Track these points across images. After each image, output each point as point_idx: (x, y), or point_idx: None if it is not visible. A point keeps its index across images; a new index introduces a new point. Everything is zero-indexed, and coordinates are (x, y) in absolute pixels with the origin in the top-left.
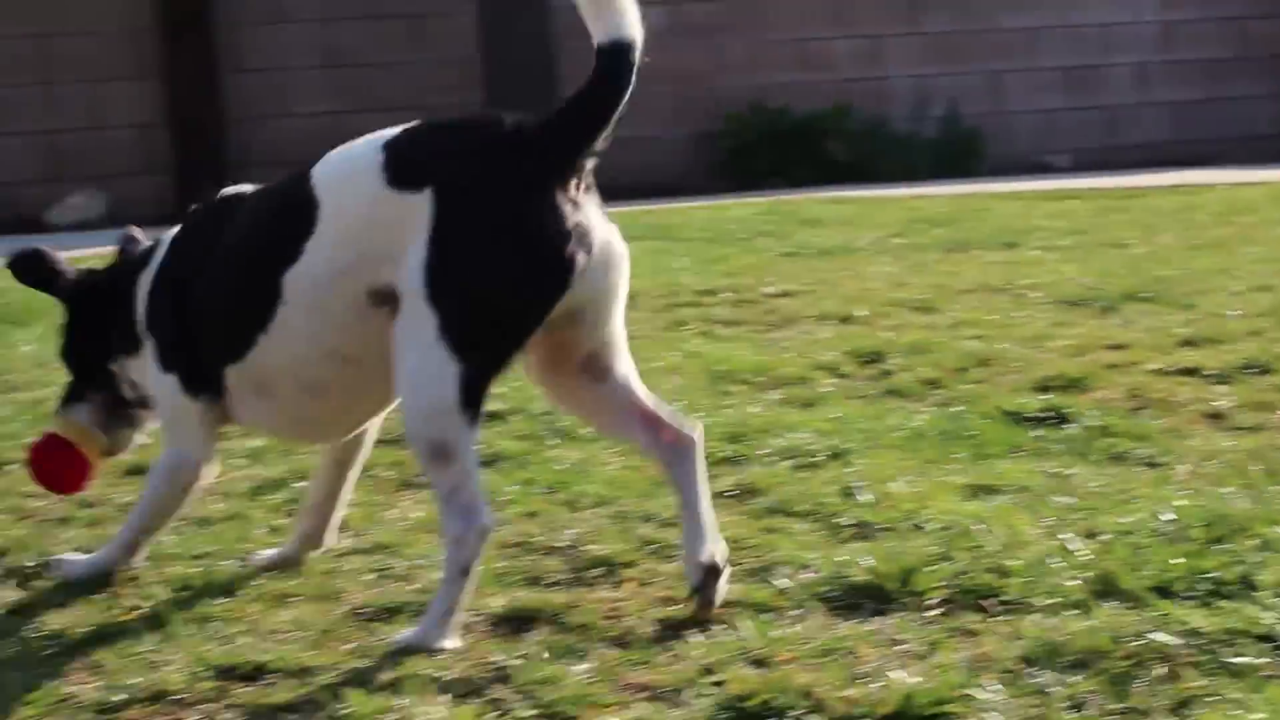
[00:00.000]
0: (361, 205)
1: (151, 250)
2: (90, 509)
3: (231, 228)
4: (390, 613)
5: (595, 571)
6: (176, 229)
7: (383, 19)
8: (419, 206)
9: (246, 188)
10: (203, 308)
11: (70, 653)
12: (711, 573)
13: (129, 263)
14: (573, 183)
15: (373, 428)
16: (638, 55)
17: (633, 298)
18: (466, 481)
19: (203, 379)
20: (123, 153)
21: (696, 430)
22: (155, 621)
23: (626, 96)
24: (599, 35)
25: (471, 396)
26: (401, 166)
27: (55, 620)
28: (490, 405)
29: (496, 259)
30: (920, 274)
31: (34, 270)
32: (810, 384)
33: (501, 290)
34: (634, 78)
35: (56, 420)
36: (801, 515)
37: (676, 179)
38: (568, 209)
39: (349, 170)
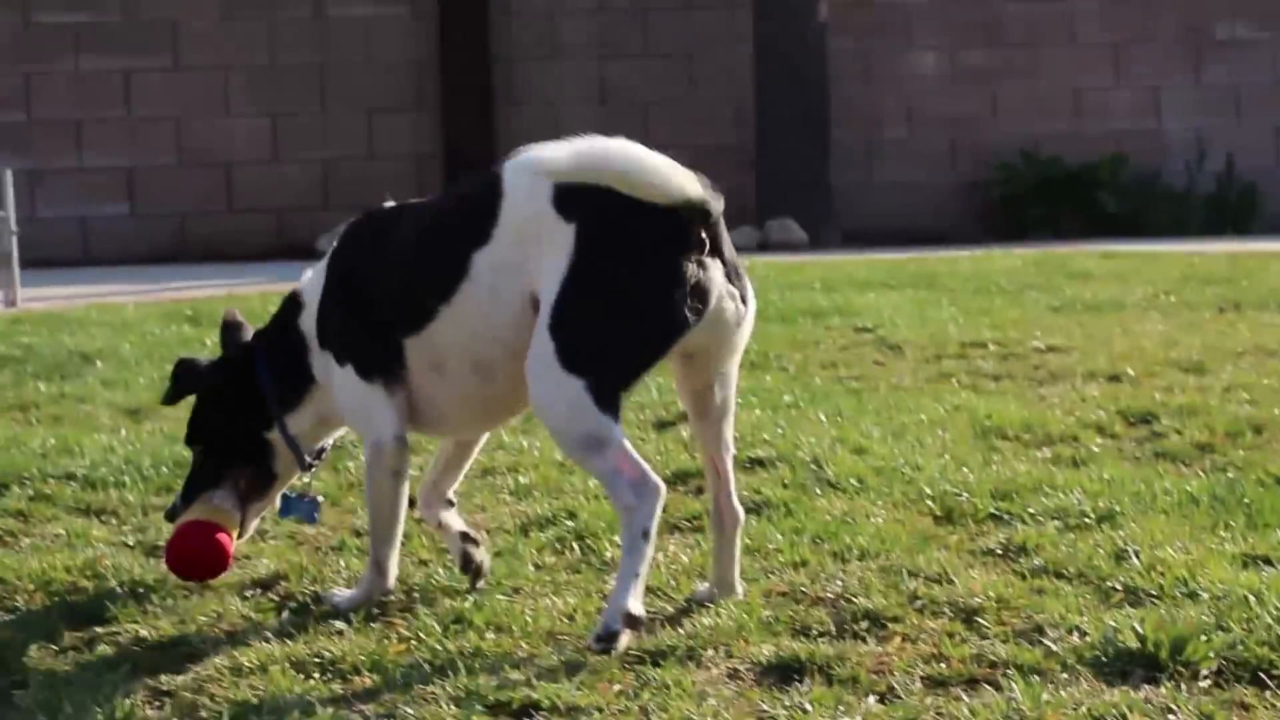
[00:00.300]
0: (530, 214)
1: (296, 298)
2: (360, 538)
3: (423, 214)
4: (659, 656)
5: (862, 624)
6: (324, 258)
7: (657, 56)
8: (567, 235)
9: (390, 203)
10: (387, 286)
11: (347, 680)
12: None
13: (282, 321)
14: (700, 243)
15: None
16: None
17: (898, 347)
18: (625, 457)
19: (381, 363)
20: (396, 182)
21: (742, 516)
22: (428, 654)
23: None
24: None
25: (603, 399)
26: (566, 191)
27: (330, 647)
28: (756, 452)
29: (620, 302)
30: (1192, 333)
31: (192, 380)
32: (1079, 443)
33: (623, 330)
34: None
35: (197, 508)
36: (1070, 577)
37: (944, 226)
38: (690, 268)
39: (531, 176)
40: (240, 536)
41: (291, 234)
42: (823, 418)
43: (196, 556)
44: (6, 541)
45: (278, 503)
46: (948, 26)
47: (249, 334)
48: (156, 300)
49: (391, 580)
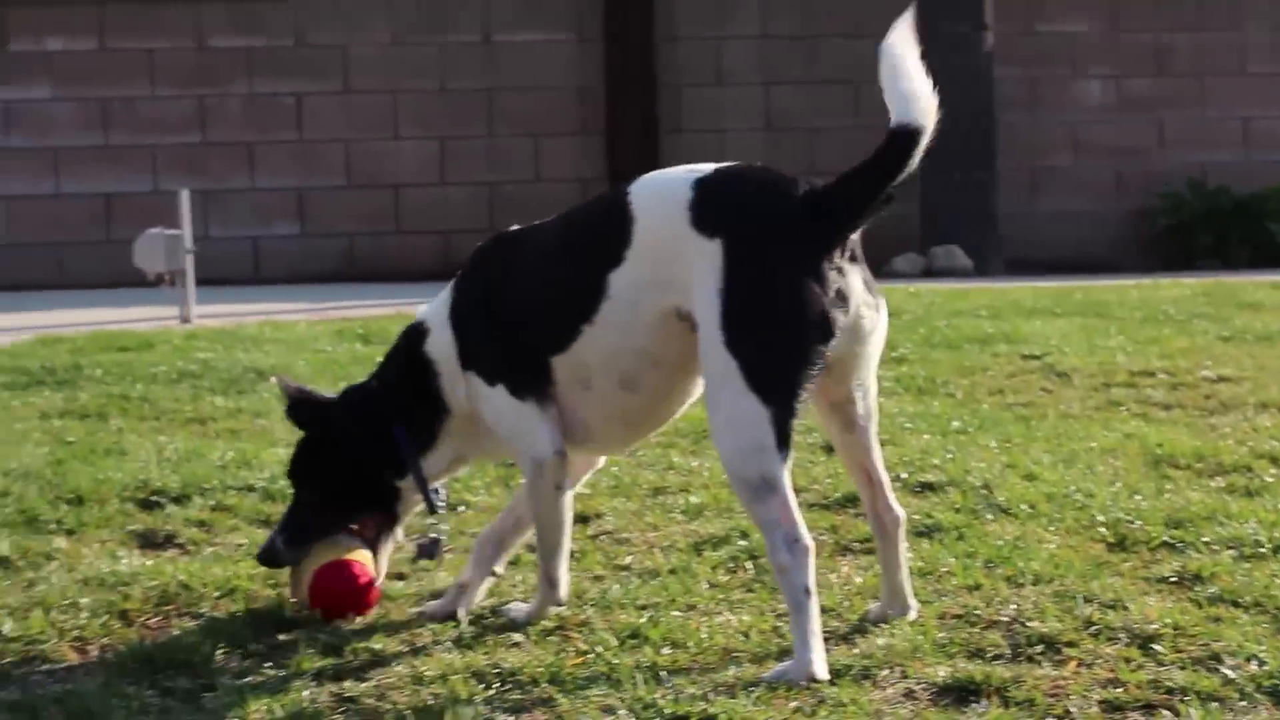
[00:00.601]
0: (666, 234)
1: (418, 330)
2: (534, 553)
3: (551, 237)
4: (835, 674)
5: (1036, 648)
6: (451, 283)
7: (822, 83)
8: (712, 251)
9: (515, 227)
10: (528, 308)
11: (525, 691)
12: None
13: (405, 354)
14: (839, 251)
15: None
16: (924, 141)
17: (1066, 375)
18: (787, 510)
19: (532, 381)
20: (560, 205)
21: (902, 514)
22: (605, 667)
23: (902, 178)
24: (898, 116)
25: (783, 435)
26: (704, 210)
27: (510, 659)
28: (926, 477)
29: (778, 313)
30: None
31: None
32: (1253, 473)
33: (786, 341)
34: (915, 162)
35: (333, 549)
36: (1247, 606)
37: (1109, 255)
38: (833, 275)
39: (662, 198)
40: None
41: (456, 255)
42: (992, 443)
43: (347, 597)
44: (190, 550)
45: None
46: (1115, 55)
47: (318, 394)
48: (326, 318)
49: (563, 593)
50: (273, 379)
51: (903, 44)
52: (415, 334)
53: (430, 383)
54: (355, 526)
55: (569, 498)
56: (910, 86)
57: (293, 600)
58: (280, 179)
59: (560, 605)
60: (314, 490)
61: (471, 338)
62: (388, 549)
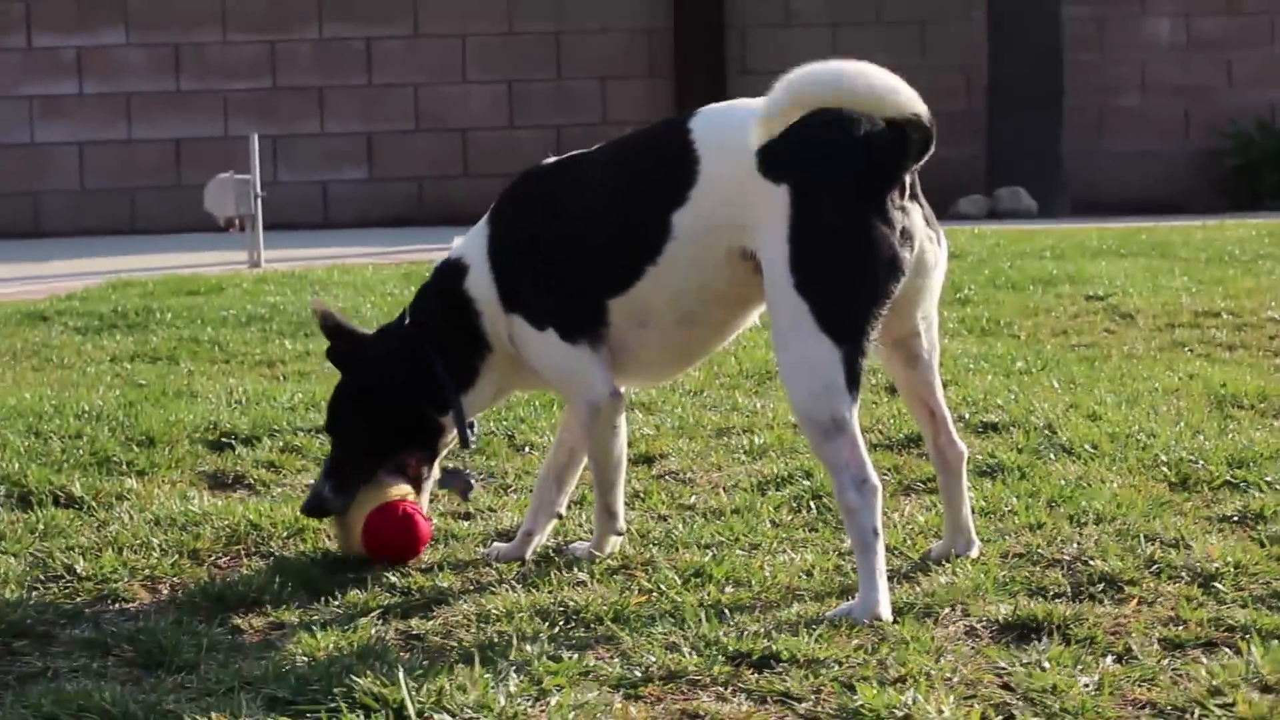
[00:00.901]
0: (733, 177)
1: (455, 266)
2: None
3: (601, 174)
4: (897, 613)
5: (1098, 586)
6: (485, 219)
7: (890, 24)
8: (779, 196)
9: (550, 160)
10: (583, 249)
11: (590, 629)
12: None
13: (441, 290)
14: (900, 190)
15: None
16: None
17: (1130, 316)
18: (856, 451)
19: (585, 324)
20: None
21: (964, 449)
22: (668, 605)
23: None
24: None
25: (853, 375)
26: (770, 154)
27: (575, 597)
28: (989, 417)
29: (849, 254)
30: None
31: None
32: None
33: (857, 281)
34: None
35: (374, 493)
36: None
37: (1176, 196)
38: (897, 214)
39: (726, 140)
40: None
41: None
42: (1055, 384)
43: (402, 540)
44: (259, 491)
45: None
46: None
47: (349, 321)
48: (394, 262)
49: (621, 523)
50: (311, 303)
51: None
52: (453, 271)
53: (471, 321)
54: (404, 469)
55: (624, 431)
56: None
57: (342, 551)
58: (349, 123)
59: (620, 535)
60: (355, 433)
61: (515, 279)
62: (429, 486)
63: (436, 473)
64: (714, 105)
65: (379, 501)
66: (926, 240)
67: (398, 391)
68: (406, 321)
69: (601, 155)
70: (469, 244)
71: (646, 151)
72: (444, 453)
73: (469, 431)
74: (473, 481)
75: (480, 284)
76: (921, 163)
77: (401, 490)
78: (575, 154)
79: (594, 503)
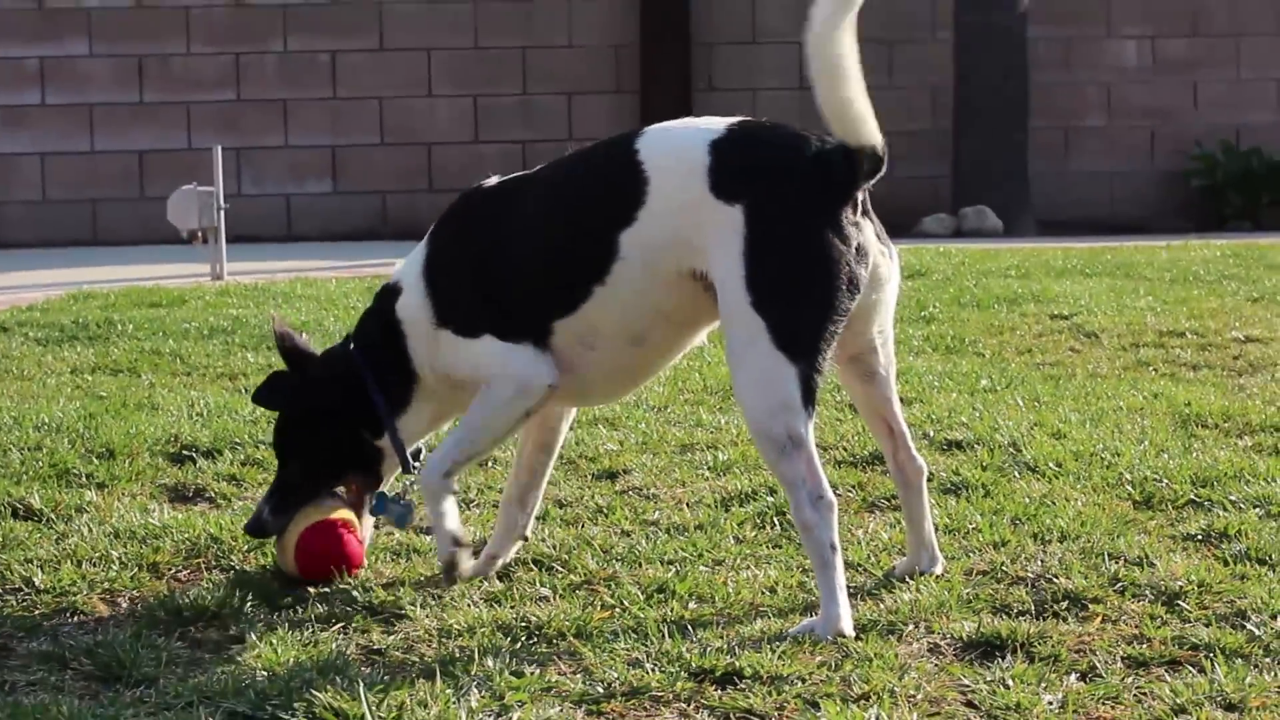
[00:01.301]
0: (683, 197)
1: (391, 289)
2: (562, 509)
3: (547, 194)
4: (860, 630)
5: (1062, 604)
6: (421, 244)
7: (857, 43)
8: (733, 216)
9: (492, 180)
10: (529, 270)
11: (552, 644)
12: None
13: (379, 315)
14: (854, 206)
15: (570, 416)
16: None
17: (1095, 335)
18: (812, 467)
19: (522, 331)
20: None
21: (924, 465)
22: (631, 621)
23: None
24: (846, 137)
25: (809, 392)
26: (721, 175)
27: (537, 613)
28: (953, 435)
29: (805, 272)
30: None
31: (296, 399)
32: None
33: (812, 299)
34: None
35: (316, 511)
36: (1273, 563)
37: (1141, 216)
38: (852, 230)
39: (677, 161)
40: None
41: None
42: (1020, 402)
43: (333, 556)
44: (220, 504)
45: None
46: (1149, 15)
47: (306, 342)
48: (358, 275)
49: (455, 488)
50: (273, 320)
51: (844, 42)
52: (388, 293)
53: (399, 344)
54: (341, 491)
55: (560, 435)
56: (858, 104)
57: (282, 569)
58: (314, 136)
59: (451, 491)
60: (298, 455)
61: (451, 294)
62: (368, 513)
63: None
64: (660, 125)
65: (314, 519)
66: (880, 255)
67: (334, 414)
68: (350, 346)
69: (546, 174)
70: (406, 266)
71: (593, 171)
72: (390, 478)
73: (411, 460)
74: (411, 510)
75: (410, 305)
76: (873, 182)
77: (342, 513)
78: (518, 175)
79: (448, 460)
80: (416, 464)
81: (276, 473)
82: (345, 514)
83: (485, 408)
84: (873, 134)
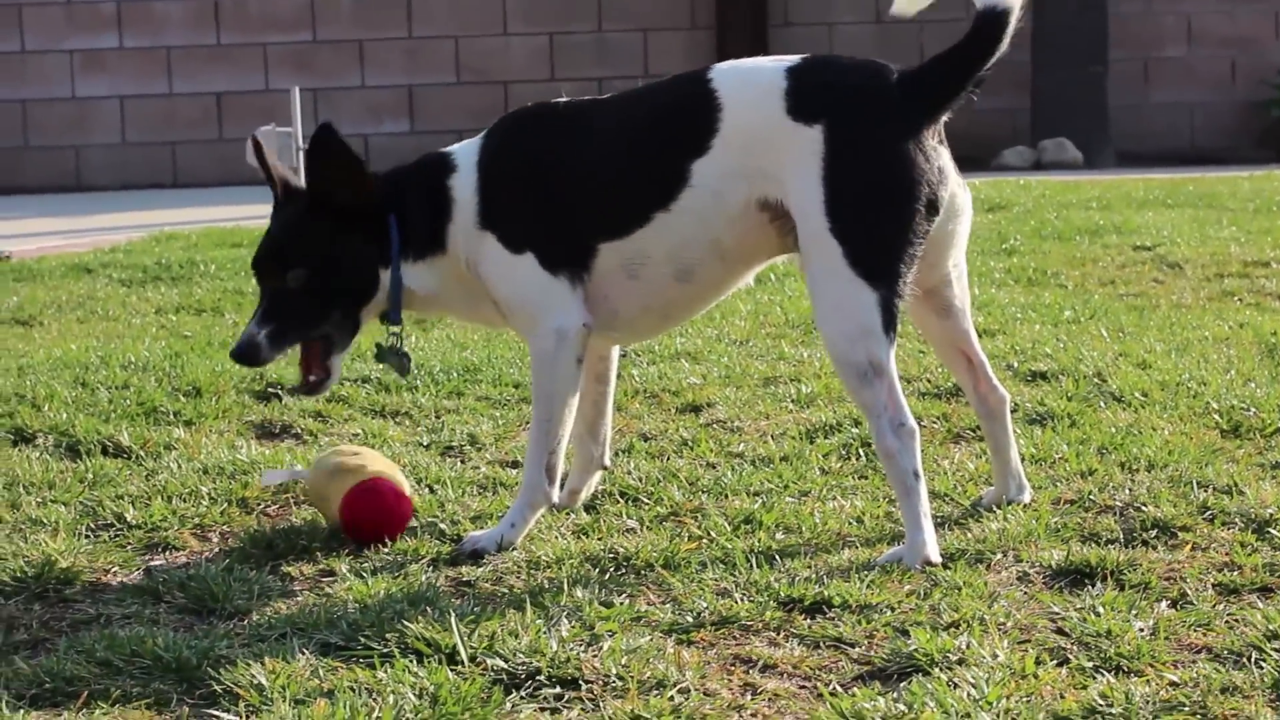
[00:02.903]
0: (760, 123)
1: (448, 159)
2: (647, 441)
3: (617, 120)
4: (949, 559)
5: (1151, 533)
6: (484, 135)
7: None
8: (811, 138)
9: (561, 100)
10: (586, 191)
11: (640, 575)
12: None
13: (427, 173)
14: (934, 131)
15: (616, 351)
16: (1013, 23)
17: (1179, 265)
18: (893, 394)
19: (570, 259)
20: None
21: (1006, 395)
22: (719, 552)
23: (993, 61)
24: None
25: (890, 318)
26: (800, 97)
27: (625, 544)
28: (1038, 366)
29: (885, 195)
30: None
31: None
32: None
33: (893, 222)
34: (1005, 45)
35: (351, 474)
36: None
37: (1222, 147)
38: (933, 154)
39: (754, 87)
40: (326, 384)
41: None
42: (1104, 333)
43: (384, 522)
44: (306, 440)
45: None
46: None
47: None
48: None
49: (557, 493)
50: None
51: None
52: (441, 164)
53: (441, 214)
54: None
55: (612, 370)
56: None
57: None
58: (390, 76)
59: (552, 505)
60: (299, 272)
61: (500, 196)
62: (342, 355)
63: (347, 351)
64: (732, 61)
65: (357, 479)
66: (958, 186)
67: (353, 230)
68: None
69: (619, 99)
70: (466, 150)
71: (667, 99)
72: (351, 343)
73: (399, 310)
74: (408, 359)
75: (464, 187)
76: (960, 102)
77: (379, 466)
78: (592, 98)
79: (529, 463)
80: (399, 328)
81: (265, 295)
82: (384, 469)
83: (540, 376)
84: None
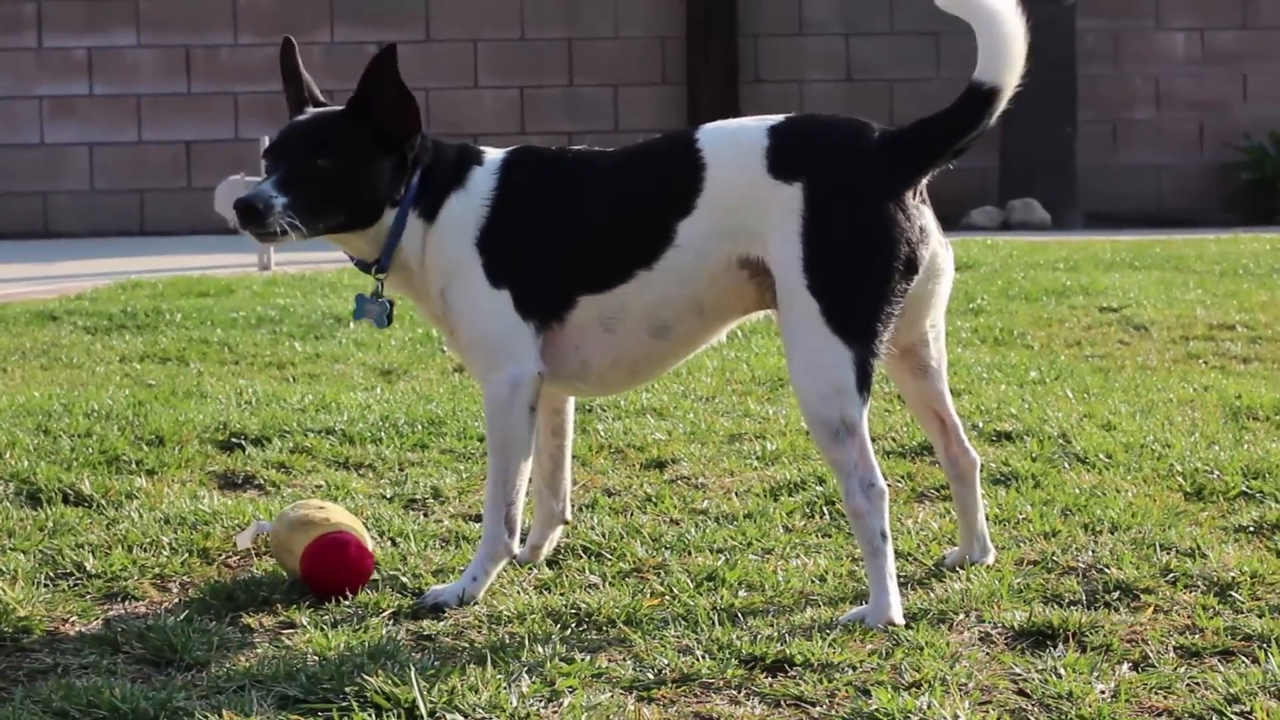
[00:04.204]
0: (742, 181)
1: (477, 156)
2: (611, 497)
3: (608, 174)
4: (911, 618)
5: (1114, 594)
6: (500, 164)
7: (904, 34)
8: (791, 195)
9: (556, 149)
10: (574, 242)
11: (602, 631)
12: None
13: (461, 159)
14: (916, 192)
15: (571, 404)
16: (1002, 104)
17: (1144, 327)
18: (864, 454)
19: (544, 307)
20: None
21: (977, 457)
22: (681, 609)
23: (977, 134)
24: (978, 73)
25: (864, 377)
26: (781, 155)
27: (587, 600)
28: (1003, 426)
29: (863, 252)
30: None
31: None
32: None
33: (870, 280)
34: (991, 121)
35: (312, 526)
36: None
37: (1189, 209)
38: (914, 213)
39: (737, 146)
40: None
41: None
42: (1069, 394)
43: (346, 578)
44: (269, 491)
45: (353, 304)
46: (1198, 7)
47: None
48: None
49: (517, 544)
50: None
51: None
52: (475, 157)
53: (446, 187)
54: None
55: (569, 419)
56: (1001, 36)
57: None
58: None
59: (513, 557)
60: (327, 160)
61: (499, 226)
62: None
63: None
64: (719, 121)
65: (320, 532)
66: (939, 245)
67: (378, 154)
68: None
69: (615, 156)
70: (494, 156)
71: (655, 159)
72: (352, 247)
73: (387, 258)
74: (388, 308)
75: (478, 191)
76: (942, 166)
77: (342, 519)
78: (597, 149)
79: (488, 515)
80: (383, 275)
81: (288, 167)
82: (348, 522)
83: (495, 425)
84: (1007, 71)
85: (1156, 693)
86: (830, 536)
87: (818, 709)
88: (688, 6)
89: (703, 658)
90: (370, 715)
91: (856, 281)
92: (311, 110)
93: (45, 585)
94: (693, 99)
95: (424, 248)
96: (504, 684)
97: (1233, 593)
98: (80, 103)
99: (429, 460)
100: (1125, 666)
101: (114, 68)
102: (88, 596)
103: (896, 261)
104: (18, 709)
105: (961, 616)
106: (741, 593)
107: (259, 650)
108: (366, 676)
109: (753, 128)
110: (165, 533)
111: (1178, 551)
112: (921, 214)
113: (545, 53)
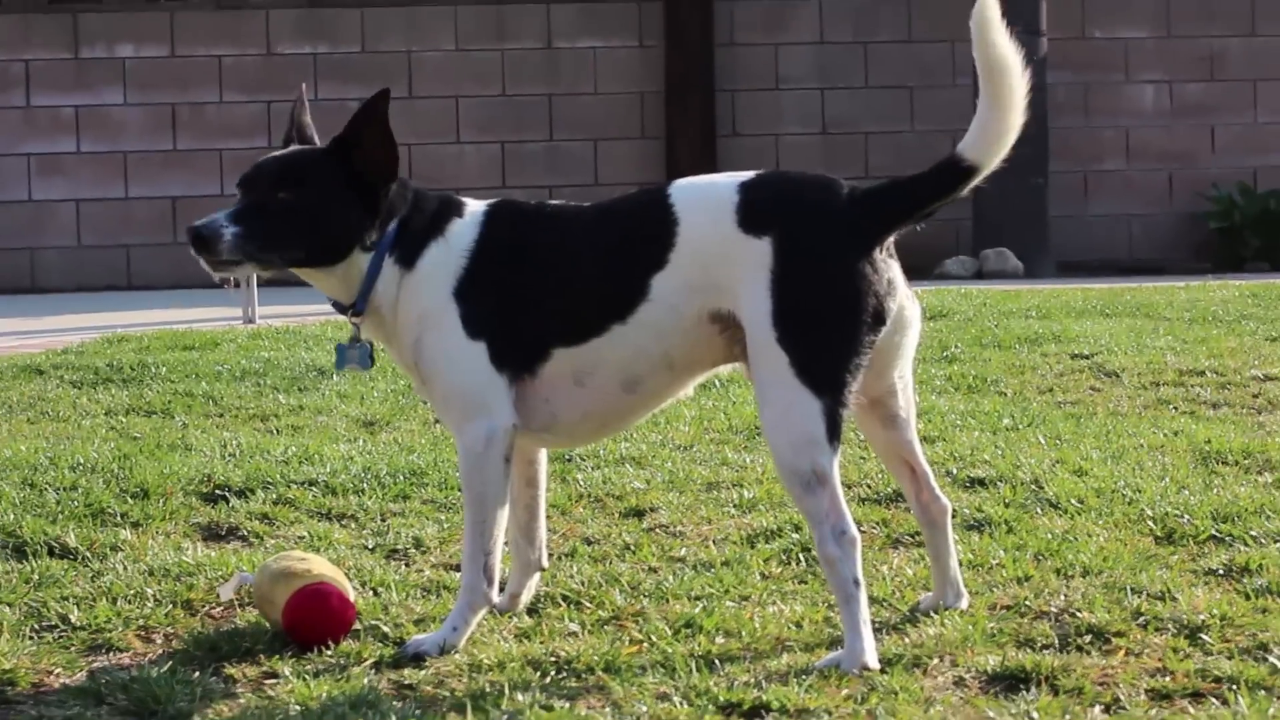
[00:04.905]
0: (713, 236)
1: (459, 207)
2: (591, 545)
3: (582, 230)
4: (886, 663)
5: (1085, 638)
6: (481, 216)
7: (879, 89)
8: (760, 250)
9: (534, 203)
10: (548, 297)
11: (581, 679)
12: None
13: (441, 209)
14: (884, 247)
15: (544, 454)
16: (977, 181)
17: (1116, 374)
18: (836, 503)
19: (516, 356)
20: None
21: (948, 504)
22: (659, 656)
23: (948, 202)
24: (964, 147)
25: (834, 427)
26: (750, 210)
27: (566, 648)
28: (976, 472)
29: (831, 305)
30: None
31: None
32: None
33: (839, 333)
34: (963, 193)
35: (293, 577)
36: None
37: (1161, 258)
38: (881, 267)
39: (708, 202)
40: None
41: None
42: (1041, 440)
43: (328, 629)
44: (253, 542)
45: (335, 357)
46: (1166, 60)
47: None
48: None
49: (496, 593)
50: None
51: (1011, 54)
52: (454, 209)
53: (424, 237)
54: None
55: (541, 470)
56: (1004, 126)
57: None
58: None
59: (492, 606)
60: (290, 194)
61: (478, 276)
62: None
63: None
64: (691, 177)
65: (303, 583)
66: (906, 298)
67: (352, 198)
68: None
69: (591, 211)
70: (475, 209)
71: (630, 214)
72: (323, 285)
73: (361, 303)
74: (369, 349)
75: (455, 251)
76: (910, 225)
77: (324, 570)
78: (575, 205)
79: (466, 565)
80: (358, 320)
81: (251, 200)
82: (330, 573)
83: (470, 477)
84: (990, 154)
85: None
86: (806, 583)
87: None
88: (666, 63)
89: (681, 704)
90: None
91: (825, 334)
92: (292, 148)
93: (30, 637)
94: (671, 153)
95: (399, 294)
96: None
97: (1203, 635)
98: (67, 160)
99: (410, 511)
100: (1097, 709)
101: (101, 125)
102: (72, 648)
103: (864, 314)
104: None
105: (936, 661)
106: (719, 639)
107: (242, 700)
108: None
109: (724, 184)
110: (149, 584)
111: (1148, 595)
112: (889, 267)
113: (526, 109)
